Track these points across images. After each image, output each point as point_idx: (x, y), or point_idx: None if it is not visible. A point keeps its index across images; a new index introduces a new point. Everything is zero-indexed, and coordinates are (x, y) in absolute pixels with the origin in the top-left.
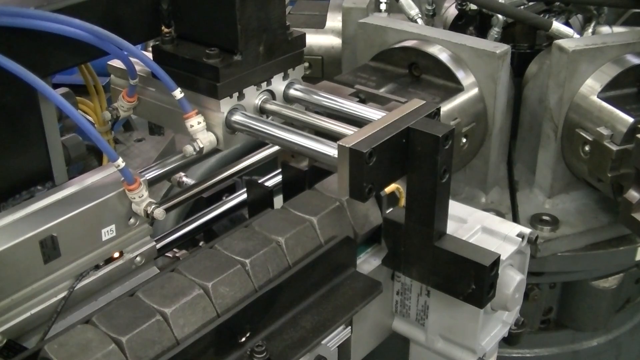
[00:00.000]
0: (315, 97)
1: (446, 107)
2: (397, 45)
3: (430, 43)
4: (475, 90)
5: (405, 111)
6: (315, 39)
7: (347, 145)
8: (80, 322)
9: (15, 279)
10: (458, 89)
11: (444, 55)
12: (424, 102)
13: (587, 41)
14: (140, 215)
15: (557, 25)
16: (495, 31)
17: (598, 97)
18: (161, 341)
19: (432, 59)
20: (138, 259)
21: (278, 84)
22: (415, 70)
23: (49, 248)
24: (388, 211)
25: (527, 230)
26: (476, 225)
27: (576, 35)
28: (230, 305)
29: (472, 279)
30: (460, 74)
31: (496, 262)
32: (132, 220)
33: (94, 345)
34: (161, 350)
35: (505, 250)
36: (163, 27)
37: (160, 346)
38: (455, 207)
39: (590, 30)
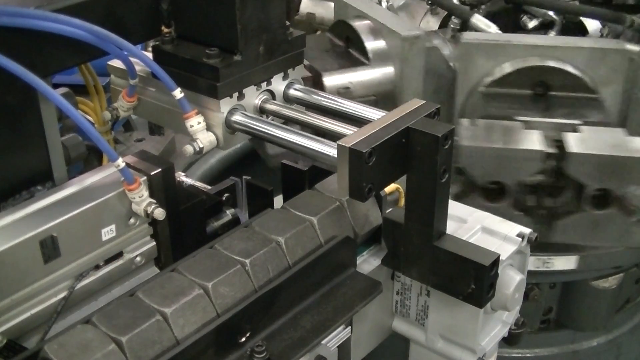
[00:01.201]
0: (315, 97)
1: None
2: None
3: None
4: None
5: (405, 111)
6: None
7: (346, 145)
8: (80, 322)
9: (15, 279)
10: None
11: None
12: (424, 101)
13: (489, 37)
14: (140, 215)
15: (478, 18)
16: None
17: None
18: (161, 341)
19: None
20: (138, 259)
21: (278, 84)
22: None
23: (49, 248)
24: (388, 211)
25: (527, 230)
26: (476, 225)
27: (494, 29)
28: (230, 305)
29: (471, 278)
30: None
31: (496, 261)
32: (132, 220)
33: (94, 345)
34: (161, 350)
35: (505, 250)
36: (163, 27)
37: (160, 346)
38: (455, 207)
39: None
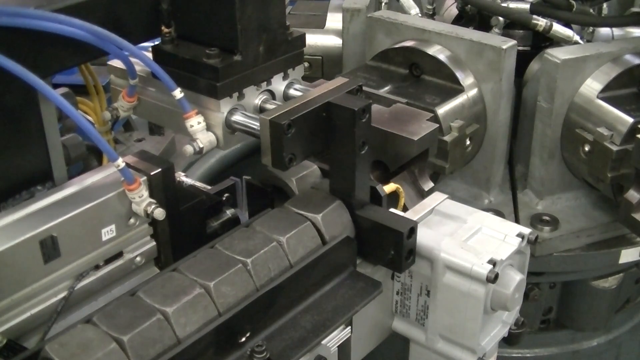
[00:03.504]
0: None
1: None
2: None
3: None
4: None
5: (329, 87)
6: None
7: (267, 118)
8: (81, 321)
9: (15, 279)
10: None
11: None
12: (348, 79)
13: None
14: (140, 215)
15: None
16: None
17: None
18: (162, 340)
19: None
20: (138, 259)
21: (278, 84)
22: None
23: (49, 248)
24: (315, 182)
25: (526, 230)
26: (476, 225)
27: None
28: (231, 304)
29: (391, 245)
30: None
31: (413, 229)
32: (132, 220)
33: (95, 344)
34: (162, 350)
35: (505, 250)
36: (163, 27)
37: (161, 345)
38: (455, 207)
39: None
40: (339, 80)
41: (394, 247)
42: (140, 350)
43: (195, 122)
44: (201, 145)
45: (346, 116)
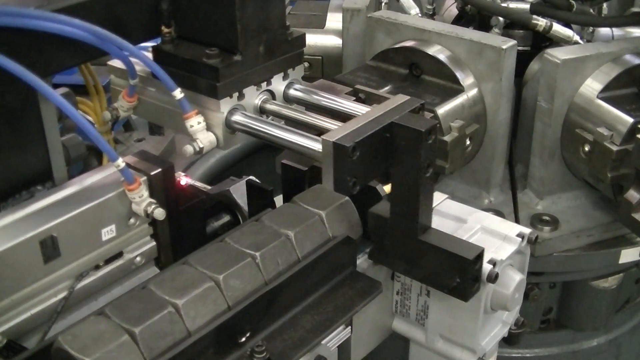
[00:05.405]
0: (315, 97)
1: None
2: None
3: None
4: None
5: (389, 106)
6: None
7: (330, 140)
8: (93, 313)
9: (15, 279)
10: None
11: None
12: (409, 97)
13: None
14: (140, 215)
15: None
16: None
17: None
18: (173, 332)
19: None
20: (138, 259)
21: (278, 84)
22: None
23: (49, 248)
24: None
25: (527, 230)
26: (476, 225)
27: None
28: (240, 297)
29: (456, 272)
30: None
31: (480, 255)
32: (132, 220)
33: (107, 336)
34: (173, 342)
35: (505, 250)
36: (163, 27)
37: (172, 338)
38: (455, 207)
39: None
40: (399, 98)
41: (460, 274)
42: (151, 343)
43: (195, 122)
44: (201, 145)
45: (412, 137)
